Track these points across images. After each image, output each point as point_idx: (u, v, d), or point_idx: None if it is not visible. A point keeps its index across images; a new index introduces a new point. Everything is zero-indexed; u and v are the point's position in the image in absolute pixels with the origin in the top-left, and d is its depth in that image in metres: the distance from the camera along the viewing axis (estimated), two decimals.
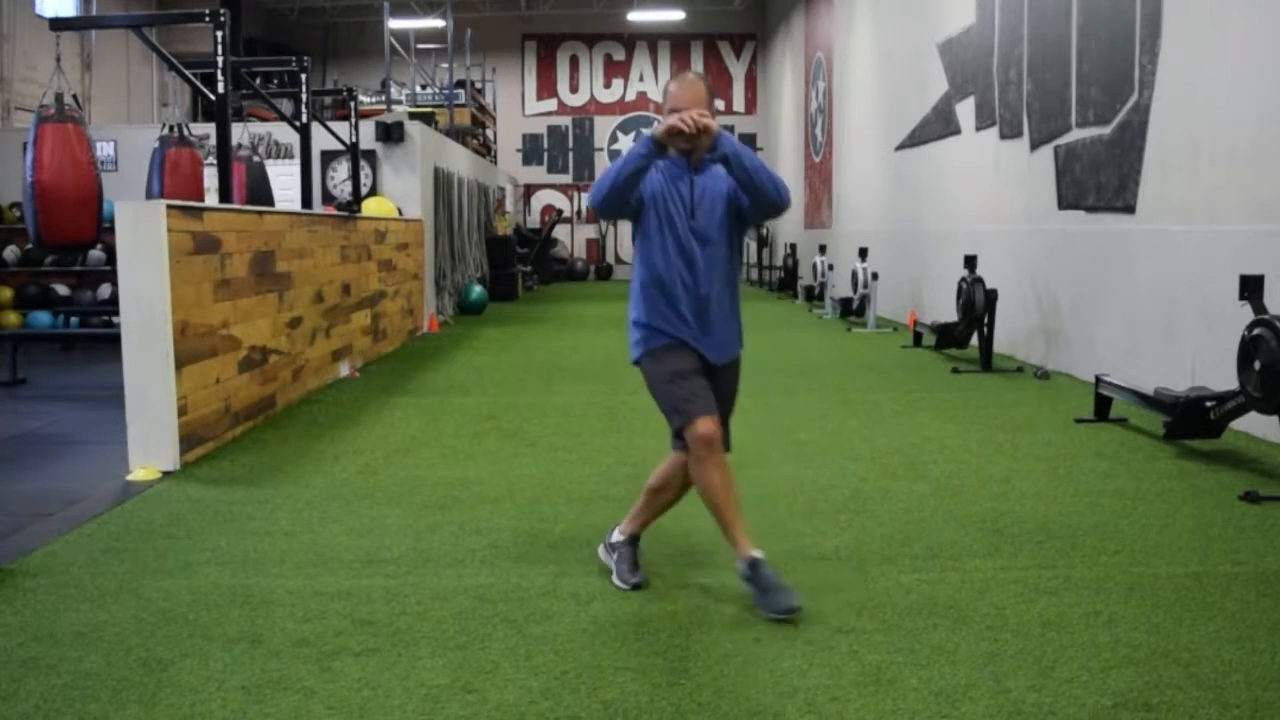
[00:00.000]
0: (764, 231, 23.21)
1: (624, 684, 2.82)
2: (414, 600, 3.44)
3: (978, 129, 10.61)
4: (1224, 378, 5.63)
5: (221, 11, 6.92)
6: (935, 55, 11.86)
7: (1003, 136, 9.93)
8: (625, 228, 27.23)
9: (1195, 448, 5.64)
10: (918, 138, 12.70)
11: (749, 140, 26.38)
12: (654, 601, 3.43)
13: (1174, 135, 6.94)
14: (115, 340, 5.55)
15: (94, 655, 3.03)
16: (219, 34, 6.83)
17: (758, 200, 3.35)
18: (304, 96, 9.64)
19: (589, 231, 26.39)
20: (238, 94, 9.90)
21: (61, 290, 12.05)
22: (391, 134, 13.01)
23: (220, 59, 6.84)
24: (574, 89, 26.37)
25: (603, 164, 26.38)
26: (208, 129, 11.89)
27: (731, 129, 26.40)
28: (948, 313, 10.31)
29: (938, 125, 11.92)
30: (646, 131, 3.35)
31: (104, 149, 12.21)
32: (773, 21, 24.77)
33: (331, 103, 17.07)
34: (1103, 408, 6.48)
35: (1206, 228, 6.54)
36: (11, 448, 6.16)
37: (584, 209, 26.32)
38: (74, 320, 11.39)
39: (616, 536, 3.68)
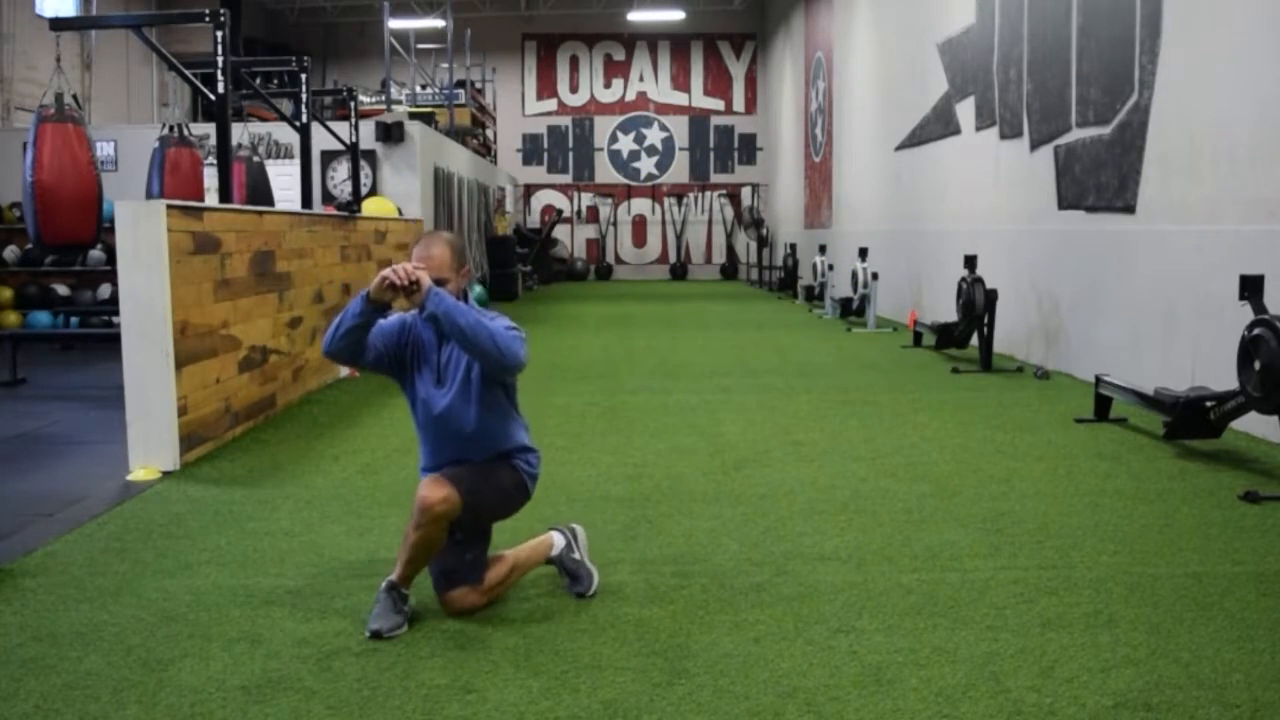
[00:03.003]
0: (764, 232, 23.22)
1: (624, 684, 2.82)
2: (414, 600, 3.44)
3: (978, 129, 10.61)
4: (1224, 378, 5.63)
5: (221, 11, 6.92)
6: (935, 55, 11.86)
7: (1003, 136, 9.93)
8: (625, 229, 27.21)
9: (1195, 448, 5.64)
10: (918, 138, 12.70)
11: (748, 140, 26.40)
12: (654, 601, 3.43)
13: (1174, 135, 6.94)
14: (115, 340, 5.55)
15: (94, 655, 3.03)
16: (219, 34, 6.83)
17: (480, 360, 3.20)
18: (304, 96, 9.64)
19: (589, 231, 26.40)
20: (238, 94, 9.89)
21: (61, 290, 12.05)
22: (391, 134, 13.01)
23: (220, 59, 6.84)
24: (574, 89, 26.36)
25: (603, 164, 26.41)
26: (208, 129, 11.89)
27: (731, 129, 26.44)
28: (948, 313, 10.31)
29: (938, 125, 11.92)
30: (365, 288, 3.24)
31: (104, 149, 12.21)
32: (773, 21, 24.77)
33: (331, 103, 17.05)
34: (1103, 408, 6.48)
35: (1206, 228, 6.54)
36: (11, 448, 6.16)
37: (584, 209, 26.35)
38: (74, 320, 11.38)
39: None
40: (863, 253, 13.08)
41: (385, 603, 3.20)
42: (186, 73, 7.49)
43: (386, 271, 3.14)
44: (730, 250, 26.45)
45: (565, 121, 26.41)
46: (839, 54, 17.27)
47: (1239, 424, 5.72)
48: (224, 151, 7.00)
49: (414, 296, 3.15)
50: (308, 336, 7.75)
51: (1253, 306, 5.15)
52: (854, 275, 13.12)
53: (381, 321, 3.34)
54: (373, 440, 6.09)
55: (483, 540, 3.41)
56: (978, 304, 8.67)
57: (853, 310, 13.49)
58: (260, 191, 10.24)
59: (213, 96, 7.10)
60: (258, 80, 12.16)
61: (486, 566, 3.38)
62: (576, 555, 3.55)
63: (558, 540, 3.58)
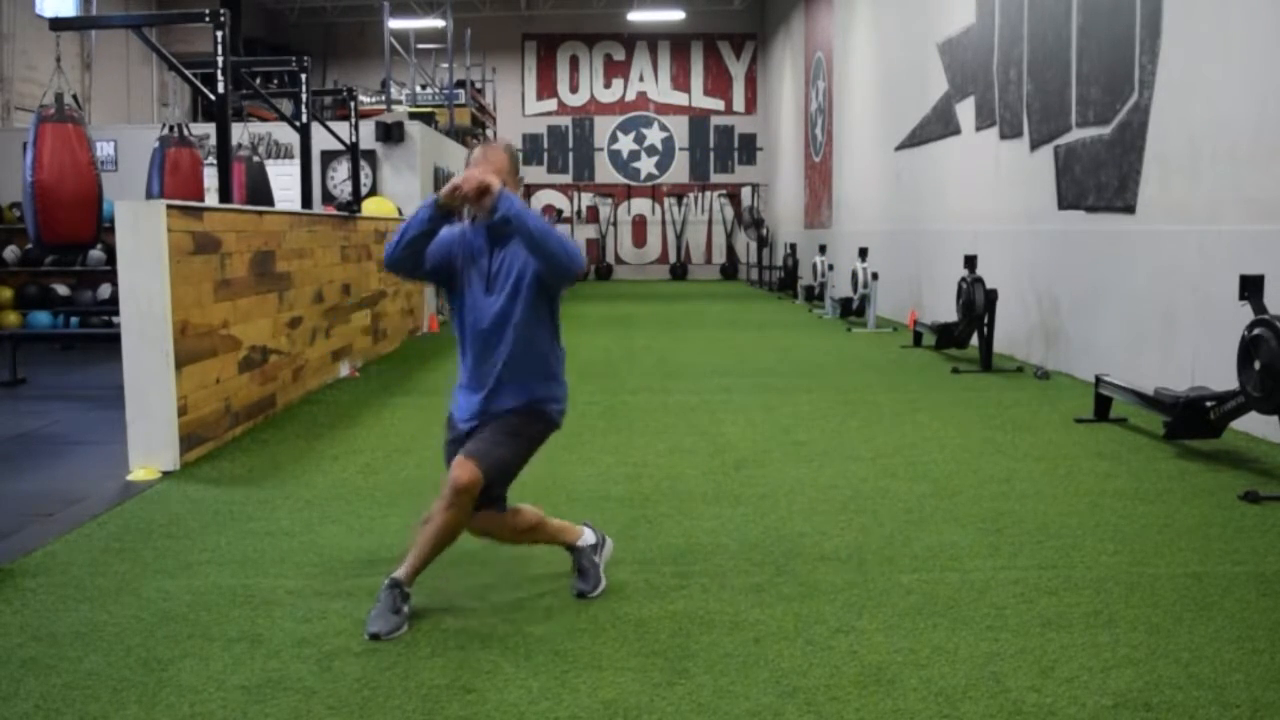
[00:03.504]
0: (764, 232, 23.22)
1: (624, 684, 2.82)
2: (414, 600, 3.44)
3: (978, 129, 10.61)
4: (1224, 378, 5.63)
5: (221, 11, 6.92)
6: (935, 55, 11.86)
7: (1003, 136, 9.93)
8: (625, 229, 27.17)
9: (1195, 448, 5.64)
10: (918, 138, 12.70)
11: (748, 140, 26.40)
12: (654, 601, 3.43)
13: (1174, 135, 6.94)
14: (115, 340, 5.55)
15: (94, 655, 3.03)
16: (219, 34, 6.83)
17: (546, 264, 3.24)
18: (304, 96, 9.64)
19: (589, 231, 26.38)
20: (238, 94, 9.90)
21: (61, 290, 12.05)
22: (391, 134, 13.01)
23: (220, 59, 6.84)
24: (574, 89, 26.36)
25: (603, 164, 26.40)
26: (208, 129, 11.90)
27: (731, 129, 26.43)
28: (948, 313, 10.31)
29: (938, 125, 11.92)
30: (431, 196, 3.31)
31: (104, 149, 12.21)
32: (773, 21, 24.77)
33: (331, 103, 17.06)
34: (1103, 408, 6.48)
35: (1206, 228, 6.54)
36: (11, 448, 6.16)
37: (584, 209, 26.34)
38: (74, 320, 11.39)
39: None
40: (863, 253, 13.08)
41: (386, 602, 3.21)
42: (186, 73, 7.49)
43: (456, 179, 3.19)
44: (730, 250, 26.45)
45: (565, 121, 26.40)
46: (839, 54, 17.27)
47: (1239, 424, 5.72)
48: (224, 151, 7.00)
49: (483, 201, 3.19)
50: (308, 336, 7.76)
51: (1253, 306, 5.15)
52: (854, 275, 13.12)
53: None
54: (373, 440, 6.09)
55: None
56: (978, 304, 8.67)
57: (853, 310, 13.49)
58: (260, 191, 10.24)
59: (213, 96, 7.10)
60: (258, 80, 12.16)
61: (508, 505, 3.45)
62: (596, 559, 3.57)
63: (588, 536, 3.60)
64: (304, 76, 9.58)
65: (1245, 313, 5.21)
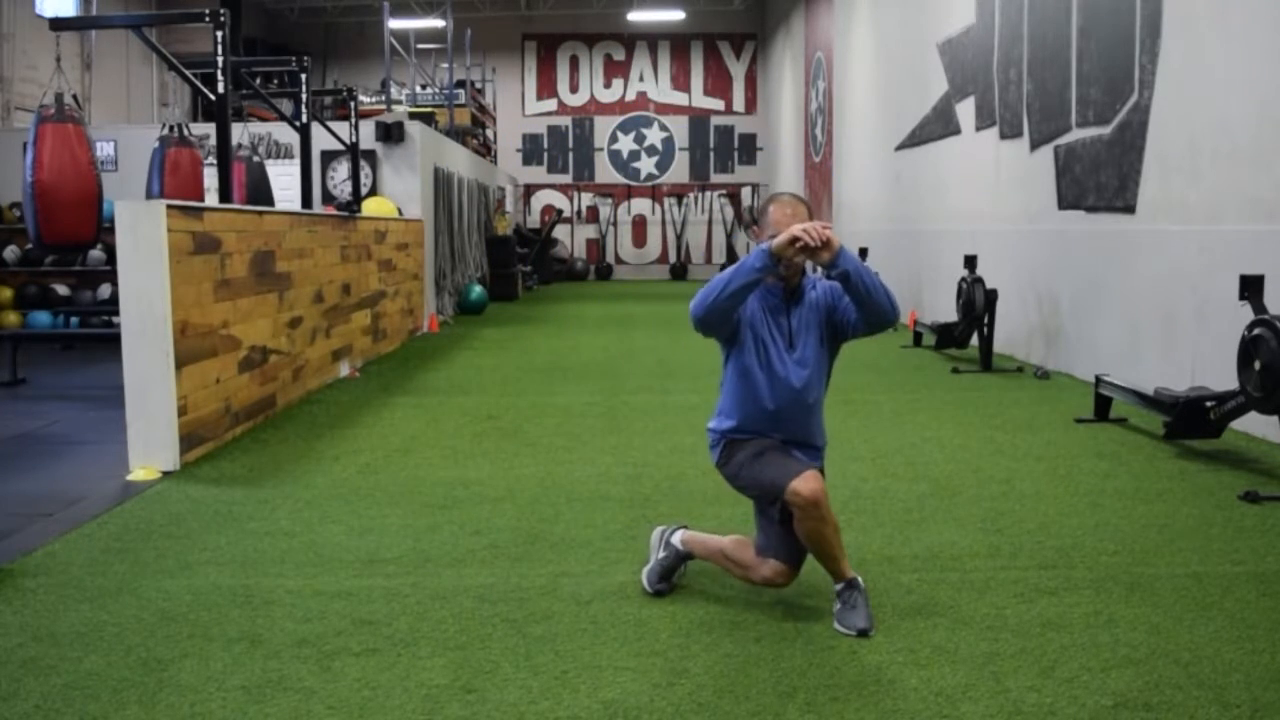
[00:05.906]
0: None
1: (624, 684, 2.82)
2: (414, 600, 3.44)
3: (978, 129, 10.61)
4: (1224, 378, 5.63)
5: (221, 11, 6.91)
6: (935, 55, 11.86)
7: (1003, 136, 9.93)
8: (625, 229, 27.10)
9: (1195, 448, 5.64)
10: (918, 138, 12.70)
11: (748, 140, 26.41)
12: (654, 601, 3.43)
13: (1174, 135, 6.94)
14: (115, 340, 5.55)
15: (94, 655, 3.03)
16: (219, 34, 6.83)
17: (872, 316, 3.23)
18: (304, 96, 9.63)
19: (589, 231, 26.38)
20: (238, 94, 9.89)
21: (61, 290, 12.05)
22: (391, 134, 13.01)
23: (220, 59, 6.84)
24: (574, 89, 26.35)
25: (603, 164, 26.38)
26: (208, 129, 11.89)
27: (731, 129, 26.44)
28: (948, 313, 10.31)
29: (938, 125, 11.92)
30: (762, 245, 3.15)
31: (104, 149, 12.20)
32: (773, 21, 24.77)
33: (331, 103, 17.07)
34: (1103, 408, 6.48)
35: (1206, 228, 6.54)
36: (11, 448, 6.16)
37: (584, 209, 26.34)
38: (74, 320, 11.38)
39: (679, 543, 3.55)
40: (863, 253, 13.05)
41: (672, 566, 3.50)
42: (186, 73, 7.49)
43: (797, 230, 3.07)
44: (730, 250, 26.42)
45: (565, 121, 26.39)
46: (839, 54, 17.27)
47: (1239, 424, 5.72)
48: (224, 151, 6.99)
49: (820, 255, 3.11)
50: (308, 336, 7.76)
51: (1253, 306, 5.15)
52: None
53: None
54: (373, 440, 6.09)
55: None
56: (978, 304, 8.67)
57: None
58: (260, 191, 10.23)
59: (213, 96, 7.10)
60: (258, 80, 12.15)
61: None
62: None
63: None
64: (304, 76, 9.57)
65: (1245, 313, 5.21)
